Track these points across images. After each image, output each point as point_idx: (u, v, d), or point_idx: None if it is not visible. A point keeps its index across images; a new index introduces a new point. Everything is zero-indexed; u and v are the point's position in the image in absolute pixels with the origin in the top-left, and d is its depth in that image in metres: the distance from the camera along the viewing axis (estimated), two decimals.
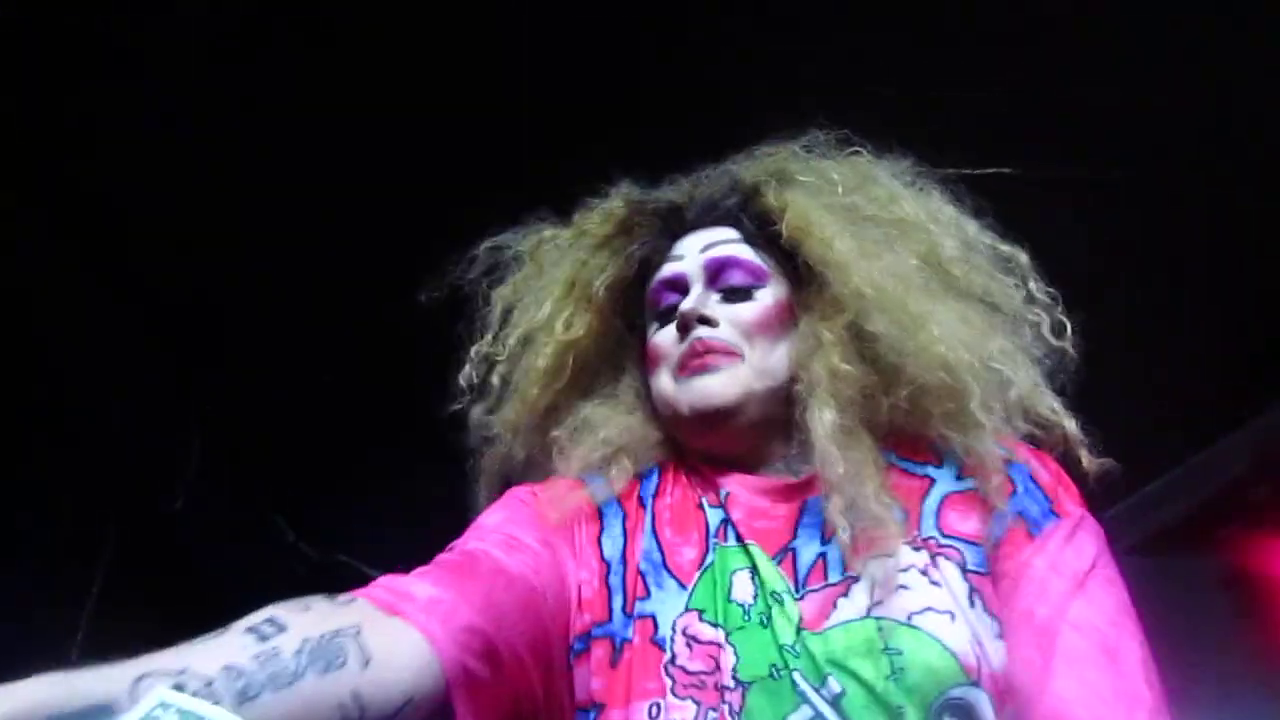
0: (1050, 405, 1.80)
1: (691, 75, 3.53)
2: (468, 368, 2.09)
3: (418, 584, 1.64)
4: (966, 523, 1.72)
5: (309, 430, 4.69)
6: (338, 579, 5.56)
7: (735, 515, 1.80)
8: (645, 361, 2.00)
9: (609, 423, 1.95)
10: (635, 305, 2.06)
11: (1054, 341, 1.87)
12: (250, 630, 1.39)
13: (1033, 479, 1.75)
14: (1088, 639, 1.63)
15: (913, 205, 1.94)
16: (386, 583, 1.64)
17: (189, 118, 3.59)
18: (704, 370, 1.84)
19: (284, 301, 4.12)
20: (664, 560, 1.78)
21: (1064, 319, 1.89)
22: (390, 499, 4.84)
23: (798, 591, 1.69)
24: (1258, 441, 4.94)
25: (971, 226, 1.96)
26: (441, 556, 1.75)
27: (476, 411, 2.07)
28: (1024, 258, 1.95)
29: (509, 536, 1.78)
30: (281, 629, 1.40)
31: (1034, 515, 1.72)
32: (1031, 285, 1.92)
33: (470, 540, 1.79)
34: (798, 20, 3.40)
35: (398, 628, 1.52)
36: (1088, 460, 1.78)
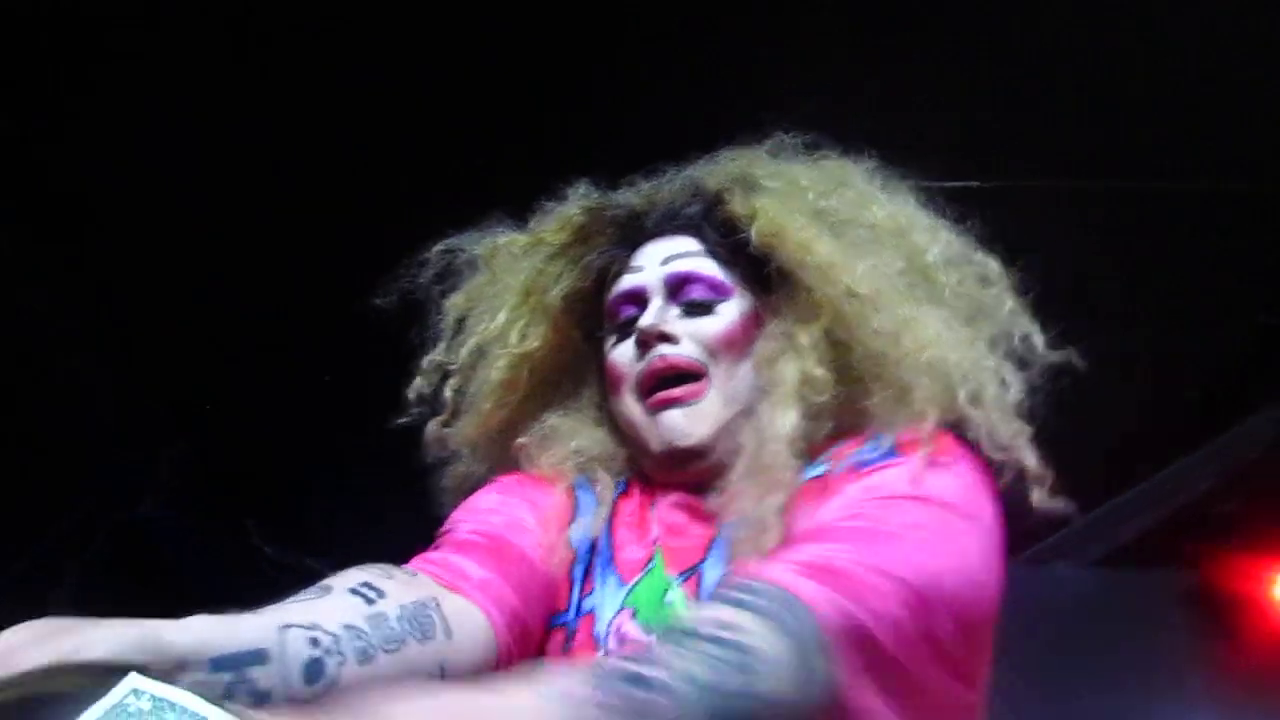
0: (1016, 428, 1.70)
1: (655, 77, 3.54)
2: (419, 379, 2.01)
3: (465, 562, 1.61)
4: (801, 519, 1.60)
5: (278, 435, 4.68)
6: (306, 582, 5.59)
7: (657, 532, 1.77)
8: (605, 375, 1.92)
9: (578, 434, 1.90)
10: (593, 314, 1.97)
11: (1037, 354, 1.78)
12: (354, 592, 1.38)
13: (887, 436, 1.64)
14: (864, 521, 1.48)
15: (888, 209, 1.86)
16: (435, 558, 1.62)
17: (157, 127, 3.58)
18: (672, 404, 1.77)
19: (254, 307, 4.09)
20: (612, 556, 1.76)
21: (1039, 335, 1.80)
22: (358, 504, 4.83)
23: None
24: (1225, 457, 4.96)
25: (947, 232, 1.88)
26: (460, 536, 1.70)
27: (430, 425, 2.00)
28: (996, 266, 1.86)
29: (512, 519, 1.74)
30: (381, 594, 1.39)
31: (868, 457, 1.62)
32: (1008, 298, 1.84)
33: (475, 521, 1.74)
34: (767, 28, 3.40)
35: (463, 605, 1.51)
36: (1037, 496, 1.66)
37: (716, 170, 1.96)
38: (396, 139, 3.66)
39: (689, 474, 1.78)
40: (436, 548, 1.71)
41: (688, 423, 1.75)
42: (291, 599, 1.36)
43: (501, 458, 1.94)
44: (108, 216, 3.83)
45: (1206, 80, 3.41)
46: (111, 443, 4.42)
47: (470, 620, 1.50)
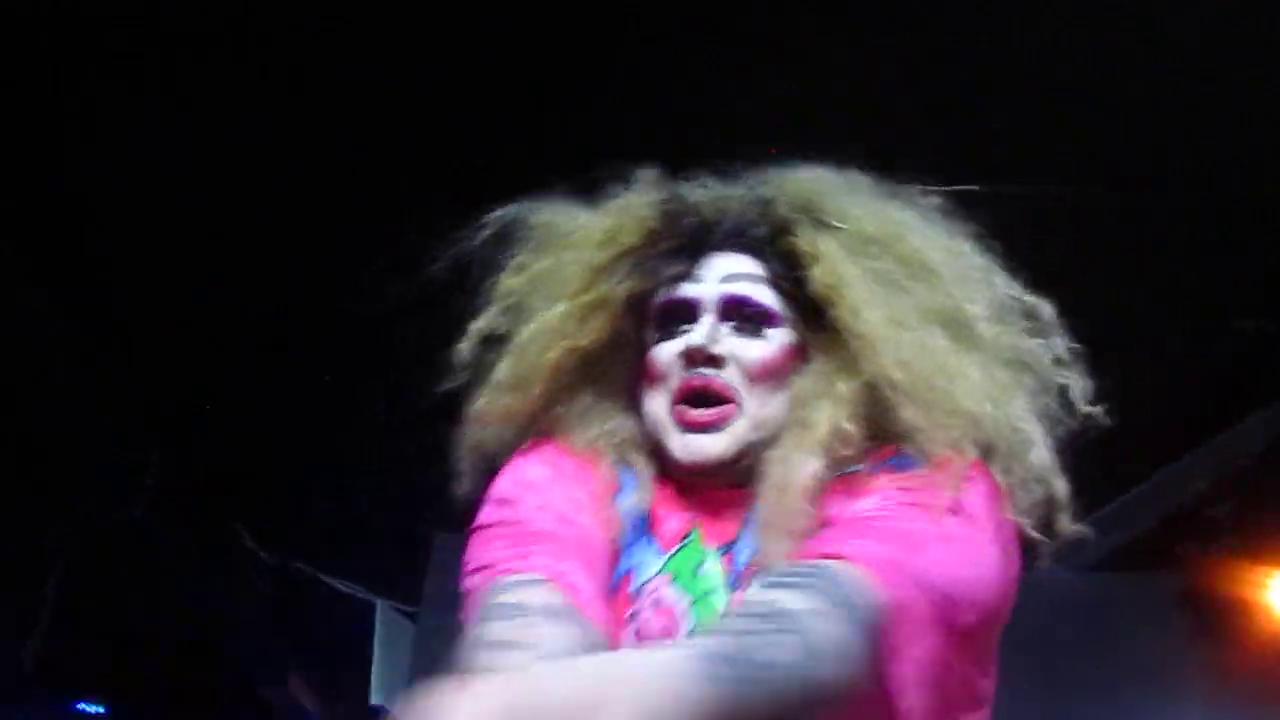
0: (1052, 466, 1.78)
1: (654, 76, 3.56)
2: (464, 344, 2.00)
3: (576, 573, 1.65)
4: (833, 506, 1.72)
5: (267, 439, 4.69)
6: (295, 585, 5.59)
7: (694, 508, 1.84)
8: (644, 367, 1.95)
9: (612, 417, 1.94)
10: (645, 309, 1.99)
11: (1078, 406, 1.86)
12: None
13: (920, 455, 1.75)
14: (900, 523, 1.62)
15: (942, 260, 1.89)
16: (554, 570, 1.65)
17: (157, 128, 3.59)
18: (704, 429, 1.82)
19: (242, 313, 4.10)
20: (649, 528, 1.83)
21: (1087, 380, 1.88)
22: (345, 506, 4.85)
23: (733, 584, 1.75)
24: (1217, 461, 4.98)
25: (1000, 279, 1.91)
26: (544, 526, 1.74)
27: (469, 393, 1.99)
28: (1048, 311, 1.92)
29: (572, 498, 1.80)
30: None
31: (904, 461, 1.72)
32: (1057, 341, 1.90)
33: (541, 499, 1.79)
34: (772, 32, 3.43)
35: (594, 630, 1.58)
36: (1064, 523, 1.77)
37: (787, 190, 1.98)
38: (396, 139, 3.67)
39: (709, 481, 1.84)
40: (518, 533, 1.73)
41: (712, 444, 1.81)
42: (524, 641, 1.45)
43: (533, 428, 1.97)
44: (92, 226, 3.85)
45: (1190, 90, 3.43)
46: (101, 445, 4.43)
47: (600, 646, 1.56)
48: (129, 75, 3.47)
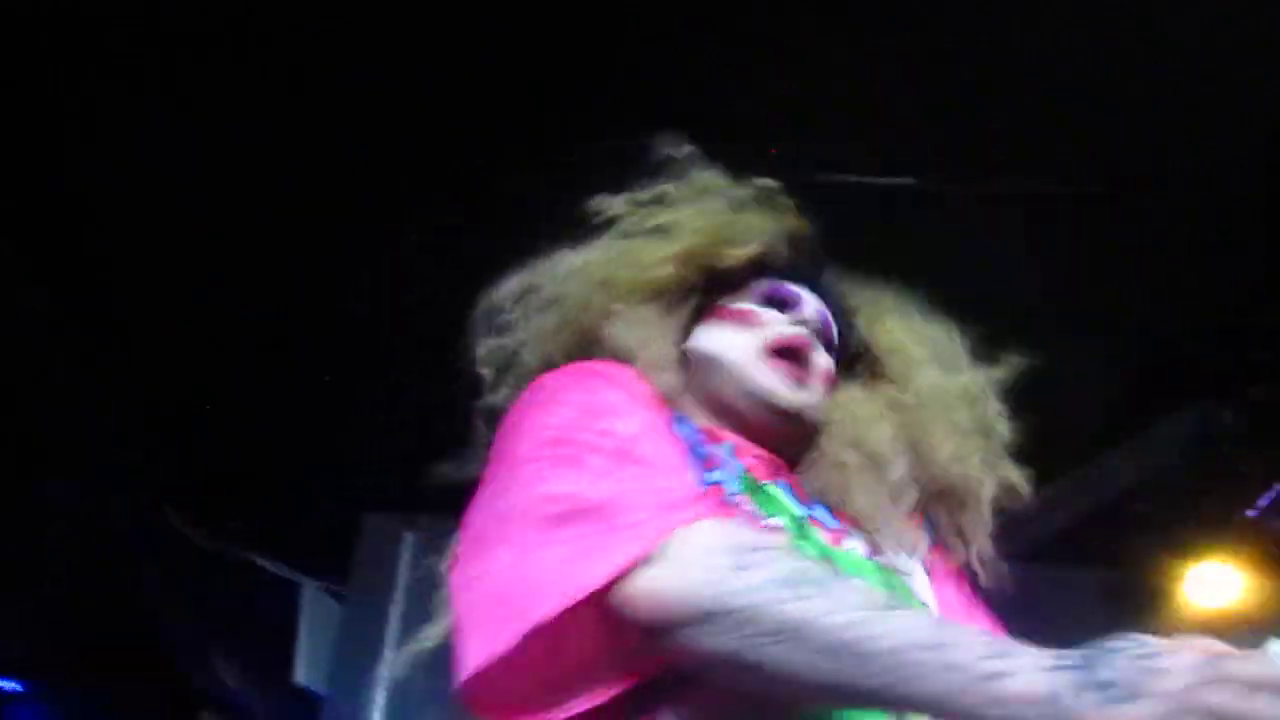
0: (1018, 478, 2.14)
1: (644, 74, 3.61)
2: (609, 207, 2.17)
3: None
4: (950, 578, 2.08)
5: (217, 429, 4.68)
6: (239, 575, 5.54)
7: (746, 461, 1.95)
8: (709, 315, 2.14)
9: (666, 337, 2.09)
10: (744, 274, 2.19)
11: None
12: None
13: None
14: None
15: (943, 350, 2.23)
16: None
17: (157, 128, 3.61)
18: (790, 378, 2.04)
19: (242, 313, 4.11)
20: (709, 456, 1.91)
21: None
22: (297, 498, 4.85)
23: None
24: (1143, 456, 5.13)
25: (977, 367, 2.22)
26: (658, 480, 1.70)
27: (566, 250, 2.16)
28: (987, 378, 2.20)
29: (661, 421, 1.86)
30: None
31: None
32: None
33: (642, 421, 1.81)
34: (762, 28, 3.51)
35: None
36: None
37: (868, 290, 2.34)
38: (396, 139, 3.70)
39: (763, 429, 2.01)
40: (626, 455, 1.70)
41: (793, 393, 2.03)
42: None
43: (593, 307, 2.10)
44: (97, 216, 3.84)
45: (1190, 90, 3.47)
46: (101, 445, 4.40)
47: None
48: (129, 75, 3.48)
